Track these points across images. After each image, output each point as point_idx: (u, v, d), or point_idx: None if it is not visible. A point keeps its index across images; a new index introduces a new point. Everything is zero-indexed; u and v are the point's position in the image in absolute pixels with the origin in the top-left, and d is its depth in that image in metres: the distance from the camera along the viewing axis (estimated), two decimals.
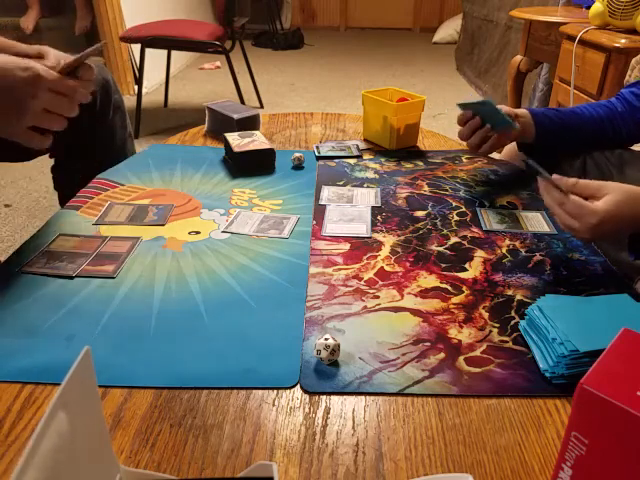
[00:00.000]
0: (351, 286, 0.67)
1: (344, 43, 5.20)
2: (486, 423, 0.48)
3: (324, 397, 0.51)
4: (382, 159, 1.07)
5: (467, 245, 0.76)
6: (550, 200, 0.66)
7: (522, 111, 0.91)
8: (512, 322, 0.61)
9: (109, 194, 0.89)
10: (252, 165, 1.00)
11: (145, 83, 3.11)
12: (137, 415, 0.48)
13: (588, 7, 1.88)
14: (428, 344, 0.57)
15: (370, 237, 0.78)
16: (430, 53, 4.77)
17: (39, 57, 0.74)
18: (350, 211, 0.86)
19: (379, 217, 0.84)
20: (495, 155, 1.04)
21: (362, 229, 0.80)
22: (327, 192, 0.92)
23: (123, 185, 0.93)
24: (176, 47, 2.73)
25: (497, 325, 0.60)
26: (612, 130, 0.93)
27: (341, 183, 0.96)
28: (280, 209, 0.86)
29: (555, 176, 0.65)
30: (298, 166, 1.03)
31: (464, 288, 0.67)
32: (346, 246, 0.76)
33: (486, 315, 0.62)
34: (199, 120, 1.26)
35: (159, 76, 3.32)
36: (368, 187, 0.95)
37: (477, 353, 0.56)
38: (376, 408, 0.50)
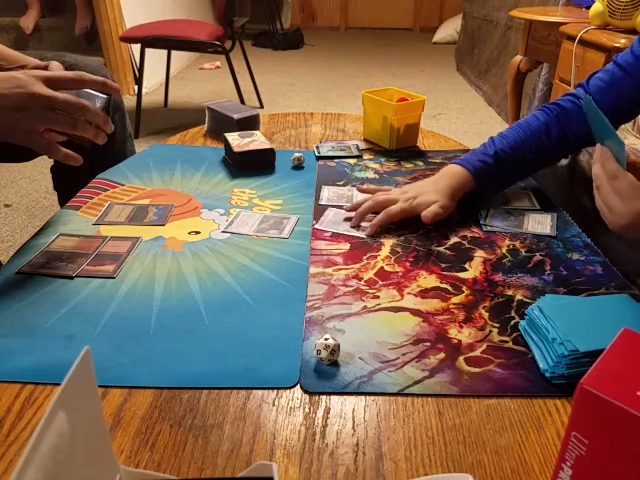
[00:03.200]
0: (351, 286, 0.67)
1: (344, 43, 5.20)
2: (486, 423, 0.48)
3: (324, 397, 0.51)
4: (382, 159, 1.07)
5: (467, 245, 0.76)
6: (601, 171, 0.56)
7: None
8: (512, 322, 0.61)
9: (109, 194, 0.89)
10: (252, 165, 1.00)
11: (145, 83, 3.12)
12: (137, 415, 0.48)
13: (588, 7, 1.88)
14: (428, 344, 0.57)
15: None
16: (430, 53, 4.77)
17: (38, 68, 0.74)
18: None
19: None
20: None
21: (362, 229, 0.80)
22: (327, 192, 0.92)
23: (123, 185, 0.93)
24: (176, 47, 2.74)
25: (497, 325, 0.60)
26: (558, 132, 0.83)
27: (341, 183, 0.96)
28: (280, 209, 0.86)
29: None
30: (298, 166, 1.03)
31: (464, 288, 0.67)
32: (346, 246, 0.76)
33: (486, 315, 0.62)
34: (199, 120, 1.26)
35: (159, 76, 3.32)
36: None
37: (477, 353, 0.56)
38: (376, 408, 0.50)
